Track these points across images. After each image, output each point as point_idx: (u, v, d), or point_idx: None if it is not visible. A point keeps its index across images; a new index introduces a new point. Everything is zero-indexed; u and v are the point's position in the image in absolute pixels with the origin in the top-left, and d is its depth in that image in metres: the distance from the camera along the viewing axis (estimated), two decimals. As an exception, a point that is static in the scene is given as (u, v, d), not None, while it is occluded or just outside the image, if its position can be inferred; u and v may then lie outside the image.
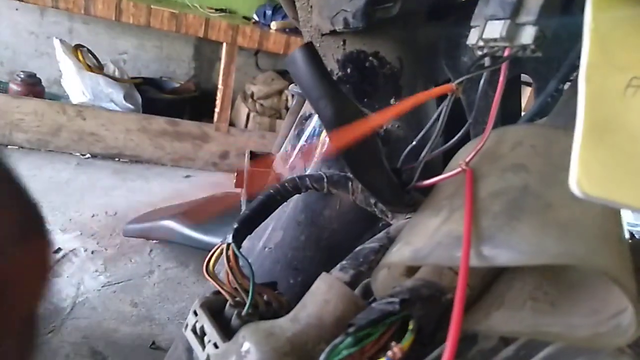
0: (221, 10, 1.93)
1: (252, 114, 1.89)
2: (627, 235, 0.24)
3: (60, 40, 1.70)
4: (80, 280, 1.23)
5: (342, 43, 0.32)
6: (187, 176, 1.84)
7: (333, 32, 0.31)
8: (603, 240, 0.21)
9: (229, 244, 0.31)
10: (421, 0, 0.30)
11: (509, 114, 0.39)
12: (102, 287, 1.22)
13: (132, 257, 1.35)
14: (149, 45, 2.01)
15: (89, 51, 1.77)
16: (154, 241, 1.42)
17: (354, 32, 0.31)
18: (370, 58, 0.32)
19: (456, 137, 0.29)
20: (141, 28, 1.83)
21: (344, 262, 0.29)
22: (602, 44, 0.22)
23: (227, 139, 1.86)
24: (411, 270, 0.27)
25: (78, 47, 1.74)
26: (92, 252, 1.35)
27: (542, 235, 0.21)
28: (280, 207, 0.36)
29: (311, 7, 0.33)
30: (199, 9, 1.86)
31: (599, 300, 0.23)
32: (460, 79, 0.26)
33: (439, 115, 0.26)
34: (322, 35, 0.32)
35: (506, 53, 0.27)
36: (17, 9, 1.82)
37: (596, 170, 0.20)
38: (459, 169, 0.25)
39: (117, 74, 1.80)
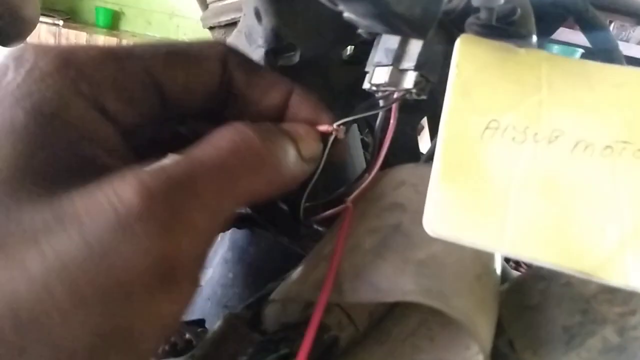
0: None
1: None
2: (498, 273, 0.24)
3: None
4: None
5: (257, 88, 0.34)
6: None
7: (246, 79, 0.33)
8: (459, 279, 0.22)
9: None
10: (322, 47, 0.32)
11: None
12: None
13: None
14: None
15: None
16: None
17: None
18: (285, 103, 0.33)
19: (358, 178, 0.30)
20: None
21: (252, 299, 0.30)
22: (464, 88, 0.24)
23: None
24: (310, 304, 0.28)
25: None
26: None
27: (399, 273, 0.22)
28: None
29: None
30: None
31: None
32: (341, 121, 0.27)
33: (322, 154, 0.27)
34: (239, 81, 0.34)
35: (395, 96, 0.28)
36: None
37: (447, 210, 0.21)
38: (343, 205, 0.27)
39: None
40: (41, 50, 0.21)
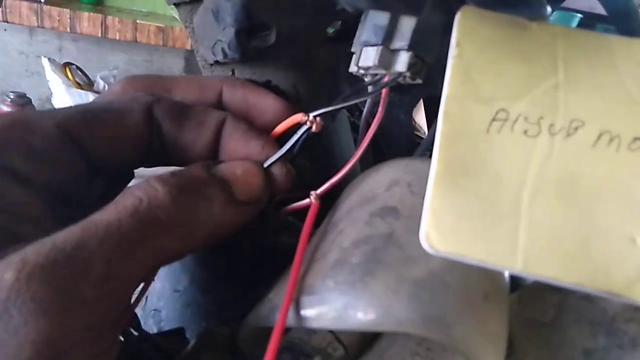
0: (209, 21, 1.92)
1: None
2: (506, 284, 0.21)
3: (49, 58, 1.70)
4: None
5: (231, 73, 0.30)
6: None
7: (218, 62, 0.29)
8: (463, 300, 0.18)
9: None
10: (301, 23, 0.28)
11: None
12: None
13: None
14: (138, 59, 2.01)
15: (78, 68, 1.77)
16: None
17: (241, 61, 0.28)
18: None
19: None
20: (130, 43, 1.83)
21: (228, 313, 0.27)
22: (466, 72, 0.20)
23: (219, 150, 1.85)
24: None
25: (67, 64, 1.73)
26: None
27: (393, 296, 0.18)
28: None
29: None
30: (186, 21, 1.85)
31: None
32: (318, 112, 0.23)
33: (294, 144, 0.24)
34: (211, 65, 0.30)
35: (385, 80, 0.24)
36: (5, 30, 1.83)
37: (448, 221, 0.18)
38: (307, 200, 0.24)
39: (107, 90, 1.79)
40: None
